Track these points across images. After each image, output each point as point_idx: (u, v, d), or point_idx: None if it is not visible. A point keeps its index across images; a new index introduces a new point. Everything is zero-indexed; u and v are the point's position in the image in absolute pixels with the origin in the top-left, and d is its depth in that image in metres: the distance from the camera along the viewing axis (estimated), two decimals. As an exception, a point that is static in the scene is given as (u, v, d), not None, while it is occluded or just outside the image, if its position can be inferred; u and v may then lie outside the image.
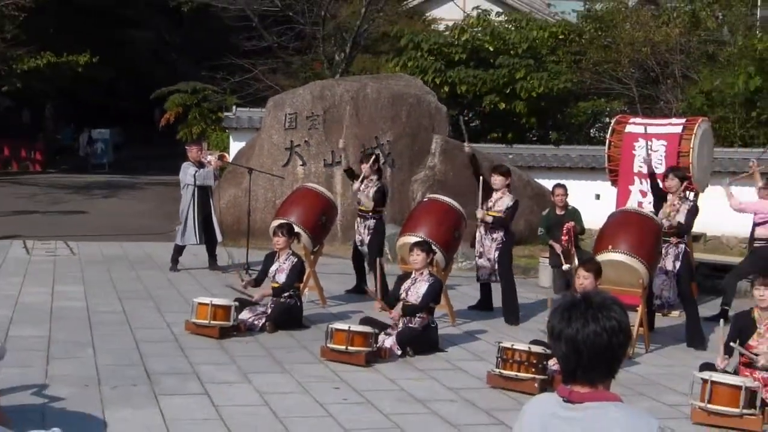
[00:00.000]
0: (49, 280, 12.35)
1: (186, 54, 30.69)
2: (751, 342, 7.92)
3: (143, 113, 31.65)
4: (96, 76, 29.32)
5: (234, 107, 23.65)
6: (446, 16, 31.37)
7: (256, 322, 9.72)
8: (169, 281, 12.95)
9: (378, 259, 10.49)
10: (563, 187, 13.67)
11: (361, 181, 12.18)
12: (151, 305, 11.01)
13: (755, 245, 11.85)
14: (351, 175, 12.53)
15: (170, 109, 28.40)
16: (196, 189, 13.81)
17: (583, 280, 8.57)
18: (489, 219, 11.10)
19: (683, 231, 10.62)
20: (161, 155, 27.60)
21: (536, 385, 7.41)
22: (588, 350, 2.93)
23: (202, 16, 27.40)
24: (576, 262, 9.74)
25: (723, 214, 14.21)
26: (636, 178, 12.69)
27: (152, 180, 26.80)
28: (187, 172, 13.88)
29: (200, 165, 13.98)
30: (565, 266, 11.75)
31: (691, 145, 12.25)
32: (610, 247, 9.80)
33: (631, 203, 12.08)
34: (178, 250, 13.89)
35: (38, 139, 32.67)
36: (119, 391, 7.23)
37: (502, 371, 7.97)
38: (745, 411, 7.07)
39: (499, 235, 11.20)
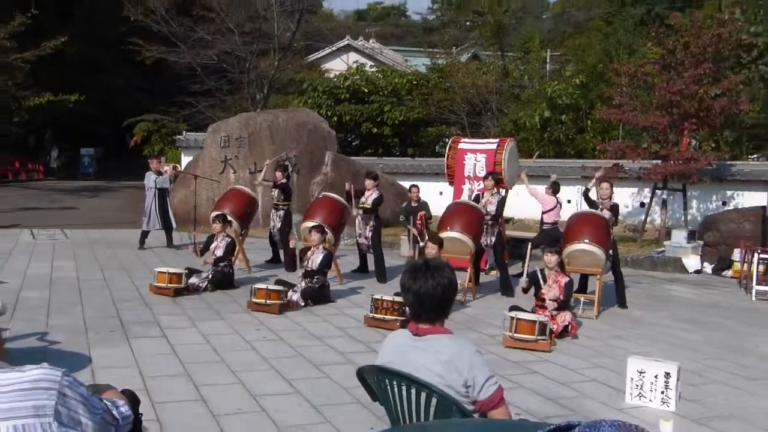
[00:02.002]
0: (49, 258, 12.00)
1: (148, 94, 30.21)
2: (543, 290, 8.20)
3: (118, 136, 31.15)
4: (83, 109, 29.01)
5: (184, 132, 23.50)
6: (335, 67, 31.56)
7: (200, 284, 9.61)
8: (137, 256, 12.71)
9: (291, 239, 10.56)
10: (417, 186, 13.86)
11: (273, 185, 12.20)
12: (124, 274, 10.78)
13: (544, 227, 12.21)
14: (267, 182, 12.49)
15: (137, 133, 28.33)
16: (156, 190, 13.78)
17: (431, 250, 8.71)
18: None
19: (496, 216, 10.87)
20: (131, 166, 27.10)
21: (398, 324, 7.48)
22: (428, 299, 3.02)
23: (160, 66, 26.95)
24: (426, 238, 9.87)
25: (524, 204, 14.61)
26: (466, 180, 12.94)
27: (124, 184, 26.41)
28: (150, 179, 13.90)
29: (159, 173, 14.01)
30: (418, 242, 11.90)
31: (503, 157, 12.55)
32: (448, 227, 9.98)
33: (463, 197, 12.30)
34: (144, 234, 13.71)
35: (40, 156, 32.34)
36: (101, 335, 7.08)
37: (375, 315, 8.07)
38: (538, 337, 7.31)
39: (372, 221, 11.33)
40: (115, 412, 2.26)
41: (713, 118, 17.16)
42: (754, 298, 11.20)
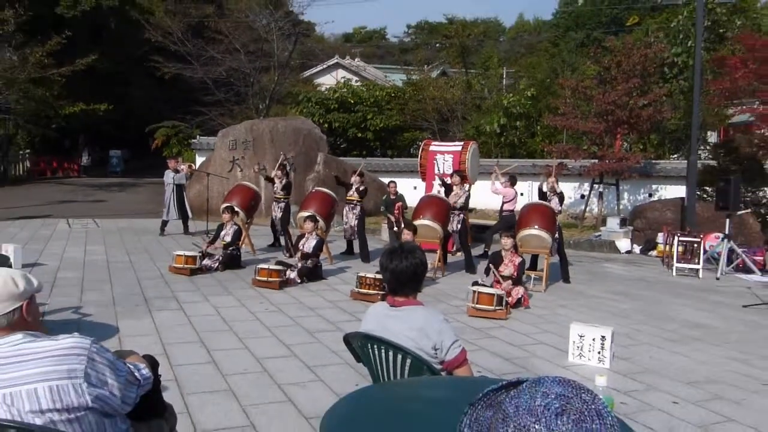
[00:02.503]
0: (82, 243, 11.82)
1: (167, 103, 29.86)
2: (500, 268, 8.22)
3: (141, 140, 30.77)
4: (111, 117, 28.73)
5: (198, 136, 23.34)
6: (326, 82, 31.38)
7: (212, 266, 9.52)
8: (158, 242, 12.55)
9: (287, 227, 10.51)
10: (395, 182, 13.74)
11: (273, 182, 12.13)
12: (147, 257, 10.65)
13: (503, 214, 12.22)
14: (269, 180, 12.37)
15: (158, 137, 27.99)
16: (174, 186, 13.61)
17: (406, 235, 8.69)
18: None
19: (462, 207, 10.88)
20: (152, 165, 26.76)
21: (379, 297, 7.46)
22: (403, 277, 3.02)
23: (176, 80, 26.68)
24: (402, 225, 9.85)
25: (485, 197, 14.64)
26: (435, 177, 12.93)
27: (147, 181, 26.07)
28: (168, 176, 13.73)
29: (176, 171, 13.82)
30: (396, 229, 11.90)
31: (467, 157, 12.56)
32: (421, 216, 9.95)
33: (434, 191, 12.30)
34: (164, 223, 13.55)
35: (74, 157, 31.91)
36: (127, 309, 6.99)
37: (360, 290, 8.04)
38: (496, 308, 7.32)
39: (357, 210, 11.27)
40: (137, 374, 2.24)
41: (641, 125, 17.29)
42: (674, 274, 11.30)
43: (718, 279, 10.89)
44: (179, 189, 13.70)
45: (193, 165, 18.14)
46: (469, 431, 1.22)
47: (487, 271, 8.42)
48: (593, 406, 1.08)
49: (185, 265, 9.15)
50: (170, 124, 28.29)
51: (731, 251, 11.57)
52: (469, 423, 1.23)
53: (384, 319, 3.06)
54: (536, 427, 1.05)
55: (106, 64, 27.70)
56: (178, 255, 9.30)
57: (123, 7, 28.81)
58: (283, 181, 12.06)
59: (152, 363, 2.51)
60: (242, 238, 10.64)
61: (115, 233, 13.47)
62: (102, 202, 20.36)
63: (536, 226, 9.31)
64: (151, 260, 10.33)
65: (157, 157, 26.71)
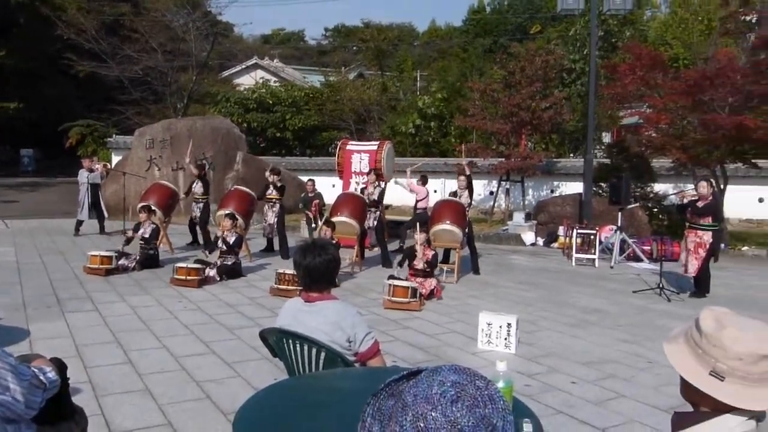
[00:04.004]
0: (-9, 245, 11.13)
1: (82, 102, 28.50)
2: (414, 262, 8.31)
3: (55, 138, 29.18)
4: (22, 115, 27.20)
5: (114, 135, 22.47)
6: (245, 82, 30.89)
7: (129, 265, 9.15)
8: (72, 242, 12.00)
9: (206, 226, 10.27)
10: (313, 180, 13.73)
11: (191, 184, 11.82)
12: (60, 258, 10.14)
13: (417, 211, 12.36)
14: (187, 193, 12.01)
15: (72, 136, 26.82)
16: (89, 185, 13.10)
17: (325, 232, 8.66)
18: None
19: (377, 203, 10.92)
20: (67, 165, 25.54)
21: (298, 293, 7.34)
22: (315, 272, 2.99)
23: (92, 78, 25.52)
24: (320, 222, 9.81)
25: (401, 194, 14.78)
26: (353, 175, 12.92)
27: (61, 181, 24.86)
28: (83, 175, 13.23)
29: (91, 170, 13.31)
30: (314, 226, 11.84)
31: (382, 156, 12.61)
32: (338, 213, 9.94)
33: (351, 189, 12.28)
34: (79, 223, 13.00)
35: None
36: (38, 311, 6.62)
37: (279, 286, 7.94)
38: (411, 300, 7.39)
39: (276, 208, 11.13)
40: (42, 378, 2.12)
41: (543, 126, 17.94)
42: (573, 264, 11.73)
43: (612, 268, 11.42)
44: (94, 188, 13.19)
45: (108, 164, 17.50)
46: (372, 420, 1.22)
47: (401, 265, 8.50)
48: (486, 392, 1.10)
49: (100, 266, 8.77)
50: (85, 122, 27.11)
51: (623, 242, 12.16)
52: (372, 413, 1.23)
53: (299, 314, 3.03)
54: (433, 414, 1.06)
55: (15, 60, 26.14)
56: (93, 255, 8.90)
57: (33, 3, 27.23)
58: (201, 182, 11.75)
59: (60, 366, 2.38)
60: (160, 237, 10.29)
61: (26, 234, 12.76)
62: (13, 202, 19.25)
63: (448, 222, 9.47)
64: (65, 261, 9.83)
65: (72, 156, 25.53)
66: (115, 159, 19.91)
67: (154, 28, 24.43)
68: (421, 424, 1.06)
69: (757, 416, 1.49)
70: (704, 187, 8.63)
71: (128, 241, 9.63)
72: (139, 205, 10.42)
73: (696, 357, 1.53)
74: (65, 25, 23.33)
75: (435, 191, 17.12)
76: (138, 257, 9.31)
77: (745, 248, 14.00)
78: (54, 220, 15.19)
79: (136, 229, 9.73)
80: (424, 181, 12.45)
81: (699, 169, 14.31)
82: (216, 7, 29.70)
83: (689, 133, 14.09)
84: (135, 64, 23.87)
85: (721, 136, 12.98)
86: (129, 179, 14.52)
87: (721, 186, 13.85)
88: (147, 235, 9.55)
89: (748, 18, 14.74)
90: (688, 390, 1.56)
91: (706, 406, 1.53)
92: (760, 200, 17.88)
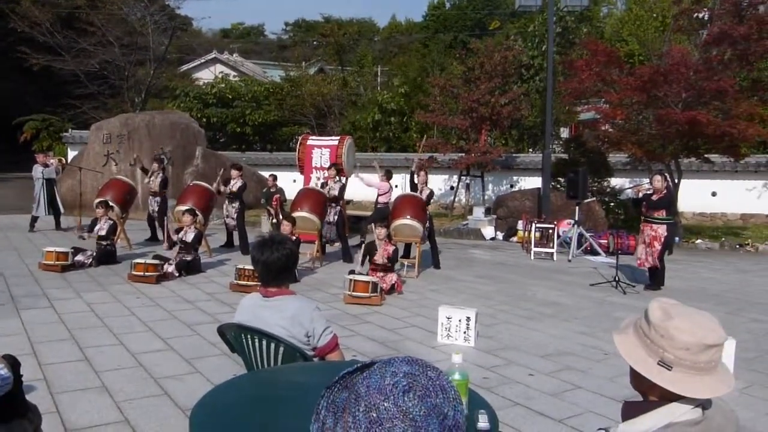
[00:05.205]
0: (-61, 242, 10.74)
1: (37, 96, 27.65)
2: (375, 257, 8.32)
3: (9, 133, 28.26)
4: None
5: (70, 130, 21.94)
6: (204, 77, 30.48)
7: (86, 261, 8.94)
8: (27, 238, 11.65)
9: (165, 219, 10.11)
10: (274, 176, 13.64)
11: (151, 175, 11.65)
12: (15, 254, 9.84)
13: (378, 206, 12.34)
14: (145, 171, 11.86)
15: (26, 131, 26.01)
16: (44, 181, 12.72)
17: (285, 227, 8.60)
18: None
19: (338, 199, 10.90)
20: (21, 160, 24.74)
21: (258, 288, 7.33)
22: (273, 268, 2.98)
23: (47, 72, 24.77)
24: (281, 217, 9.73)
25: (362, 189, 14.73)
26: (313, 170, 12.86)
27: (15, 176, 24.09)
28: (37, 170, 12.85)
29: (46, 165, 12.91)
30: (275, 221, 11.75)
31: (343, 151, 12.58)
32: (299, 208, 9.88)
33: (311, 184, 12.21)
34: (34, 219, 12.64)
35: None
36: (-10, 310, 6.43)
37: (239, 281, 7.87)
38: (371, 294, 7.40)
39: (236, 204, 11.01)
40: (-8, 376, 2.07)
41: (502, 121, 18.13)
42: (532, 258, 11.92)
43: (569, 261, 11.63)
44: (49, 184, 12.84)
45: (63, 159, 17.08)
46: (326, 413, 1.22)
47: (363, 260, 8.50)
48: (438, 382, 1.11)
49: (56, 262, 8.55)
50: (40, 117, 26.37)
51: (581, 236, 12.40)
52: (326, 405, 1.24)
53: (257, 310, 3.02)
54: (385, 404, 1.07)
55: (-36, 53, 25.27)
56: (48, 251, 8.67)
57: (-17, -6, 26.32)
58: (160, 176, 11.60)
59: (12, 363, 2.32)
60: (117, 233, 10.08)
61: (-23, 231, 12.34)
62: (-37, 198, 18.59)
63: (408, 217, 9.52)
64: (20, 257, 9.56)
65: (26, 151, 24.79)
66: (72, 154, 19.47)
67: (110, 22, 23.89)
68: (374, 415, 1.07)
69: (703, 404, 1.54)
70: (659, 181, 8.84)
71: (82, 236, 9.41)
72: (96, 200, 10.19)
73: (645, 347, 1.57)
74: (18, 18, 22.65)
75: (396, 186, 17.14)
76: (95, 253, 9.11)
77: (699, 241, 14.43)
78: (8, 216, 14.74)
79: (93, 225, 9.51)
80: (388, 176, 12.44)
81: (654, 164, 14.67)
82: (174, 1, 29.21)
83: (644, 128, 14.43)
84: (91, 57, 23.32)
85: (675, 131, 13.33)
86: (86, 174, 14.19)
87: (675, 180, 14.22)
88: (104, 232, 9.34)
89: (700, 15, 15.12)
90: (637, 380, 1.60)
91: (654, 396, 1.57)
92: (713, 194, 18.42)
